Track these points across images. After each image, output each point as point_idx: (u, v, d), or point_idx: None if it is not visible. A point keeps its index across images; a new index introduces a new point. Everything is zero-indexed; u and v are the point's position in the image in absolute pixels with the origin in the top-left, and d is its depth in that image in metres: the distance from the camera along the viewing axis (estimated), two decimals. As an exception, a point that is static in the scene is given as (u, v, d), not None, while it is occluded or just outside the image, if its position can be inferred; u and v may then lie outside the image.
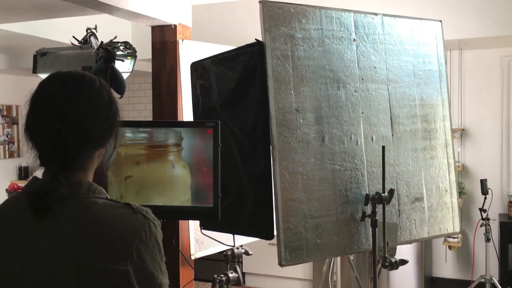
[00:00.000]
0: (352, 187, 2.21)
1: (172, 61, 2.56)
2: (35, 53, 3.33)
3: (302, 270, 4.51)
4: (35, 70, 3.36)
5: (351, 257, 3.06)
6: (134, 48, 2.70)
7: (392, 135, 2.33)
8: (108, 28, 3.13)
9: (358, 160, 2.23)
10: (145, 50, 2.90)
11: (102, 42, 2.10)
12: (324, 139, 2.15)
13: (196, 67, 2.43)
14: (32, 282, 0.96)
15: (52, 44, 3.49)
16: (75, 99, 1.00)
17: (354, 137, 2.23)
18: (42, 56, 3.31)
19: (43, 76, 3.40)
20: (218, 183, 1.49)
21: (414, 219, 2.36)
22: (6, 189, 3.78)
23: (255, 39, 2.09)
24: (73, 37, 3.21)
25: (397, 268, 2.20)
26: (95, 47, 2.87)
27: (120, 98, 2.11)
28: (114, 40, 2.48)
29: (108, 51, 1.89)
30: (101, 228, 0.97)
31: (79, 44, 3.19)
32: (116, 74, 1.90)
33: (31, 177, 4.37)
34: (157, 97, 2.59)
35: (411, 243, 2.46)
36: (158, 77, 2.62)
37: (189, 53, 2.56)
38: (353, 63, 2.27)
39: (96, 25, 3.04)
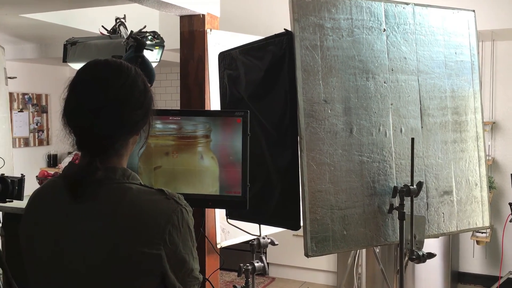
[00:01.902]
0: (380, 179, 2.19)
1: (200, 51, 2.56)
2: (65, 43, 3.38)
3: (326, 262, 4.50)
4: (65, 59, 3.41)
5: (377, 250, 3.04)
6: (161, 38, 2.72)
7: (422, 127, 2.30)
8: (135, 18, 3.16)
9: (386, 152, 2.21)
10: (171, 40, 2.92)
11: (132, 31, 2.12)
12: (352, 130, 2.13)
13: (224, 57, 2.44)
14: (69, 263, 0.99)
15: (82, 34, 3.54)
16: (112, 86, 1.02)
17: (382, 128, 2.21)
18: (72, 45, 3.37)
19: (73, 65, 3.47)
20: (247, 172, 1.49)
21: (443, 213, 2.32)
22: (37, 176, 3.86)
23: (284, 29, 2.08)
24: (102, 26, 3.25)
25: (424, 261, 2.18)
26: (124, 37, 2.91)
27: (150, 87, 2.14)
28: (143, 30, 2.50)
29: (138, 41, 1.90)
30: (135, 213, 0.99)
31: (108, 34, 3.24)
32: (146, 64, 1.92)
33: (66, 162, 4.40)
34: (185, 87, 2.60)
35: (439, 236, 2.43)
36: (186, 67, 2.63)
37: (217, 43, 2.57)
38: (383, 54, 2.24)
39: (125, 15, 3.08)
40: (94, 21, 3.85)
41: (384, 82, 2.23)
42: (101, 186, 1.00)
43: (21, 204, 2.98)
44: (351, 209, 2.10)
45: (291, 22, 2.03)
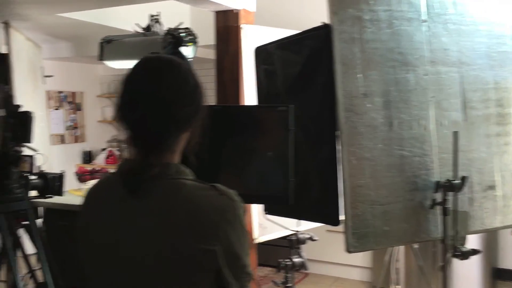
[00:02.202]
0: (421, 174, 2.14)
1: (235, 47, 2.56)
2: (101, 41, 3.43)
3: (360, 257, 4.46)
4: (101, 57, 3.46)
5: (415, 246, 2.99)
6: (195, 34, 2.72)
7: (464, 120, 2.24)
8: (167, 15, 3.17)
9: (427, 146, 2.16)
10: (203, 37, 2.92)
11: (169, 28, 2.13)
12: (392, 124, 2.09)
13: (260, 52, 2.42)
14: (124, 259, 1.01)
15: (115, 32, 3.58)
16: (164, 82, 1.03)
17: (423, 122, 2.16)
18: (108, 43, 3.41)
19: (109, 63, 3.51)
20: (290, 167, 1.48)
21: (487, 208, 2.26)
22: (76, 172, 3.95)
23: (322, 22, 2.05)
24: (136, 24, 3.28)
25: (467, 258, 2.13)
26: (159, 34, 2.93)
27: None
28: (179, 27, 2.50)
29: (177, 38, 1.91)
30: (190, 209, 0.99)
31: (143, 32, 3.27)
32: (185, 60, 1.92)
33: (101, 159, 4.48)
34: (221, 82, 2.60)
35: (483, 232, 2.37)
36: (221, 62, 2.63)
37: (252, 38, 2.55)
38: (423, 45, 2.18)
39: (159, 12, 3.10)
40: (126, 19, 3.89)
41: (424, 75, 2.18)
42: (156, 182, 1.01)
43: (61, 199, 3.04)
44: (392, 205, 2.07)
45: (329, 15, 2.00)
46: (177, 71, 1.06)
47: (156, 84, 1.03)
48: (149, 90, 1.02)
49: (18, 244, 2.17)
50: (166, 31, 2.12)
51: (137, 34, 3.31)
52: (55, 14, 3.49)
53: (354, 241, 1.99)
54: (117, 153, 6.40)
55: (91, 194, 1.11)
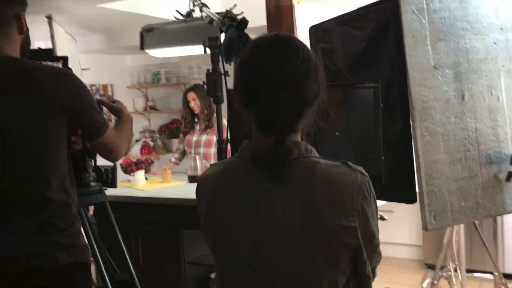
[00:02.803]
0: (494, 146, 2.07)
1: (289, 26, 2.49)
2: (141, 30, 3.39)
3: (409, 235, 4.40)
4: (142, 46, 3.43)
5: (476, 221, 2.92)
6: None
7: (537, 88, 2.15)
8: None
9: (500, 117, 2.08)
10: (250, 19, 2.84)
11: (227, 11, 2.07)
12: (464, 96, 2.02)
13: (316, 30, 2.35)
14: (267, 240, 0.99)
15: (151, 20, 3.53)
16: (295, 61, 1.00)
17: (495, 92, 2.08)
18: (148, 32, 3.37)
19: (150, 51, 3.48)
20: (380, 145, 1.43)
21: None
22: (121, 164, 3.94)
23: (386, -6, 1.97)
24: (177, 11, 3.22)
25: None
26: (201, 19, 2.87)
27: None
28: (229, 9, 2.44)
29: (242, 20, 1.85)
30: (329, 186, 0.97)
31: (183, 18, 3.22)
32: (250, 42, 1.87)
33: (136, 150, 4.48)
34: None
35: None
36: (274, 44, 2.56)
37: (306, 16, 2.48)
38: (491, 12, 2.09)
39: (199, -4, 3.03)
40: (163, 7, 3.85)
41: (494, 43, 2.09)
42: (292, 162, 0.99)
43: (114, 192, 3.04)
44: (468, 179, 2.00)
45: (394, -14, 1.92)
46: (302, 50, 1.02)
47: (288, 64, 0.99)
48: (278, 72, 0.99)
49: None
50: (224, 14, 2.06)
51: (177, 21, 3.26)
52: (94, 5, 3.46)
53: (432, 218, 1.93)
54: (150, 143, 6.41)
55: (219, 181, 1.07)
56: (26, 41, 1.53)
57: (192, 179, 3.53)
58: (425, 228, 1.93)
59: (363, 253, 1.00)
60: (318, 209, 0.96)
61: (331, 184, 0.97)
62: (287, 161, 0.97)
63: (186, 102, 4.05)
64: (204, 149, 4.01)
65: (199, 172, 3.55)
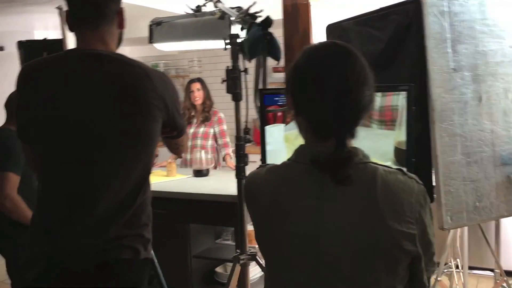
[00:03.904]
0: (509, 148, 2.11)
1: (305, 25, 2.50)
2: (150, 23, 3.36)
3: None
4: (151, 40, 3.41)
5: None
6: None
7: (550, 91, 2.19)
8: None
9: (514, 119, 2.12)
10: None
11: (248, 8, 2.07)
12: (481, 99, 2.05)
13: (333, 29, 2.37)
14: (327, 244, 0.99)
15: (160, 14, 3.51)
16: (352, 70, 1.00)
17: (510, 95, 2.12)
18: (158, 25, 3.34)
19: (159, 45, 3.46)
20: (412, 147, 1.46)
21: None
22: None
23: (408, -5, 1.99)
24: (187, 5, 3.21)
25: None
26: (212, 14, 2.86)
27: (277, 64, 2.11)
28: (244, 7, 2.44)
29: (267, 18, 1.86)
30: (390, 193, 0.98)
31: (194, 13, 3.20)
32: (274, 41, 1.88)
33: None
34: (289, 62, 2.54)
35: None
36: (290, 42, 2.58)
37: (323, 15, 2.49)
38: (509, 15, 2.13)
39: (211, -9, 3.02)
40: (173, 1, 3.82)
41: (510, 46, 2.13)
42: (354, 167, 1.00)
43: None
44: (483, 180, 2.04)
45: (418, -11, 1.94)
46: (359, 57, 1.03)
47: (349, 72, 1.00)
48: (342, 77, 1.00)
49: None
50: (244, 12, 2.07)
51: (187, 15, 3.25)
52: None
53: (448, 218, 1.97)
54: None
55: (273, 186, 1.07)
56: (121, 35, 1.58)
57: (197, 173, 3.53)
58: (441, 228, 1.97)
59: (421, 261, 1.01)
60: (381, 214, 0.97)
61: (392, 191, 0.98)
62: (351, 164, 0.98)
63: (188, 94, 4.07)
64: (201, 141, 4.04)
65: (204, 166, 3.55)
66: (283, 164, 1.09)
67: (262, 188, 1.09)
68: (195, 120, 4.11)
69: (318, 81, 1.01)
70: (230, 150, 4.04)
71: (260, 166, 1.17)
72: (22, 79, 1.46)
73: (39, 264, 1.44)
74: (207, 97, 4.09)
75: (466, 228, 3.02)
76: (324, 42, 1.07)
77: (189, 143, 4.02)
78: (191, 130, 4.07)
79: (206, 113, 4.07)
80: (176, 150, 1.80)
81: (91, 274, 1.43)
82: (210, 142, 4.06)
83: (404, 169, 1.03)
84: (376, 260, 0.97)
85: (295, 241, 1.02)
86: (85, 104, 1.41)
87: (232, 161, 3.64)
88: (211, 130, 4.08)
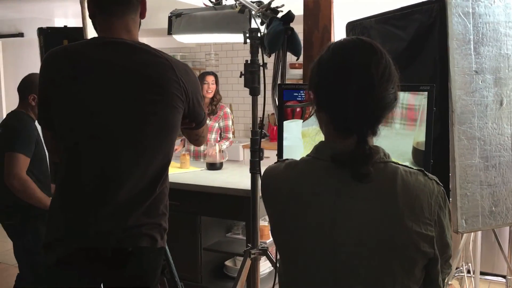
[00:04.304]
0: (527, 153, 2.08)
1: (326, 21, 2.48)
2: (169, 15, 3.37)
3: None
4: (170, 31, 3.42)
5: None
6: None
7: None
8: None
9: (535, 125, 2.09)
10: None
11: (270, 2, 2.06)
12: (502, 102, 2.02)
13: (353, 26, 2.35)
14: (344, 240, 0.99)
15: (180, 6, 3.51)
16: (377, 67, 0.99)
17: (532, 100, 2.09)
18: (177, 17, 3.35)
19: (178, 37, 3.46)
20: (430, 148, 1.44)
21: None
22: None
23: (432, -5, 1.97)
24: (207, -2, 3.21)
25: None
26: (232, 7, 2.86)
27: (297, 60, 2.10)
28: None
29: (288, 13, 1.85)
30: (410, 194, 0.97)
31: (213, 5, 3.20)
32: (295, 36, 1.87)
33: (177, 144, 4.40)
34: (309, 58, 2.53)
35: None
36: (310, 38, 2.56)
37: (345, 12, 2.47)
38: (533, 19, 2.09)
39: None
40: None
41: (533, 50, 2.09)
42: (374, 165, 0.99)
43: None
44: (500, 185, 2.02)
45: (443, -12, 1.92)
46: (385, 54, 1.02)
47: (374, 68, 0.98)
48: (367, 74, 0.98)
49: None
50: (266, 6, 2.05)
51: (207, 8, 3.25)
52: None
53: (463, 221, 1.95)
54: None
55: (293, 181, 1.06)
56: (140, 25, 1.61)
57: (211, 166, 3.53)
58: (456, 231, 1.95)
59: (438, 263, 1.00)
60: (400, 214, 0.96)
61: (412, 191, 0.97)
62: (372, 161, 0.98)
63: (201, 85, 4.10)
64: (206, 134, 4.09)
65: (218, 160, 3.56)
66: (302, 160, 1.08)
67: (280, 183, 1.08)
68: (201, 112, 4.16)
69: (342, 76, 0.99)
70: (226, 144, 4.07)
71: (278, 161, 1.16)
72: (49, 63, 1.49)
73: (58, 249, 1.46)
74: (217, 91, 4.18)
75: (479, 233, 2.99)
76: (350, 38, 1.05)
77: None
78: (196, 123, 4.11)
79: (213, 107, 4.13)
80: (196, 141, 1.81)
81: (109, 259, 1.44)
82: (213, 135, 4.11)
83: (424, 170, 1.02)
84: (393, 260, 0.97)
85: (312, 236, 1.01)
86: (110, 91, 1.43)
87: (213, 149, 3.62)
88: (216, 124, 4.14)
